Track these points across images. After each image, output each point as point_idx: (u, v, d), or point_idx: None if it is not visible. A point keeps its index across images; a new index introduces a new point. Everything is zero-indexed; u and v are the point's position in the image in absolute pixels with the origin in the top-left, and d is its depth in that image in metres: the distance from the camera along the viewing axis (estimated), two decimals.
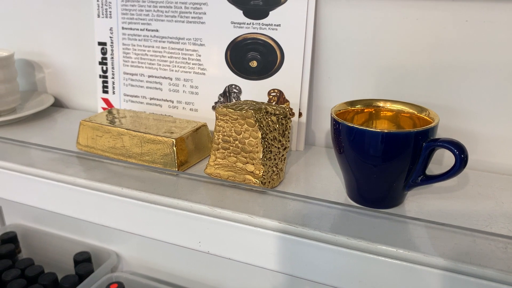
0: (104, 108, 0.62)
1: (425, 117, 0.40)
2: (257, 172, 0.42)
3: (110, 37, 0.59)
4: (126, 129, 0.49)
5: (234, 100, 0.54)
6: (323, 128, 0.53)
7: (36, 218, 0.82)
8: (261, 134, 0.42)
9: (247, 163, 0.43)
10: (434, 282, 0.33)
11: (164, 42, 0.56)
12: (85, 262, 0.73)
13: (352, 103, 0.43)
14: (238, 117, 0.42)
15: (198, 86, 0.56)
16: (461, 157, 0.35)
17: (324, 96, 0.52)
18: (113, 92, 0.61)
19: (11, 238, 0.79)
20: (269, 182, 0.43)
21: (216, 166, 0.45)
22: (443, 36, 0.45)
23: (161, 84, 0.58)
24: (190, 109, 0.57)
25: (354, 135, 0.37)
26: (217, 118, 0.44)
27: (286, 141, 0.45)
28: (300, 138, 0.52)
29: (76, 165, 0.48)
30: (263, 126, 0.42)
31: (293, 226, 0.37)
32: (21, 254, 0.80)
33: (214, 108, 0.56)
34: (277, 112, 0.44)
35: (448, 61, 0.46)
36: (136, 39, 0.58)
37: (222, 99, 0.55)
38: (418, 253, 0.34)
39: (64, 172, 0.46)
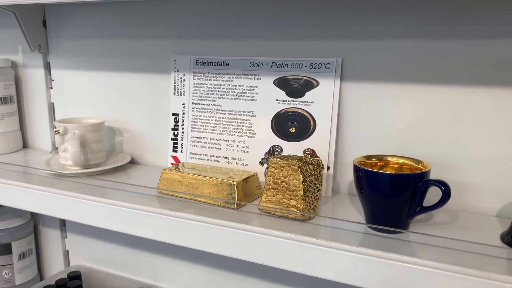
0: (173, 164, 0.79)
1: (421, 167, 0.56)
2: (299, 205, 0.58)
3: (182, 109, 0.78)
4: (198, 175, 0.65)
5: None
6: (346, 179, 0.69)
7: (95, 260, 0.96)
8: (302, 177, 0.58)
9: (291, 199, 0.58)
10: (427, 277, 0.47)
11: (224, 113, 0.74)
12: None
13: (369, 157, 0.59)
14: (285, 165, 0.58)
15: (249, 146, 0.73)
16: (446, 191, 0.50)
17: (347, 154, 0.68)
18: (181, 151, 0.78)
19: (77, 276, 0.93)
20: (307, 215, 0.58)
21: (267, 201, 0.60)
22: (434, 111, 0.62)
23: (220, 145, 0.75)
24: (242, 164, 0.74)
25: (370, 177, 0.53)
26: (268, 166, 0.60)
27: (319, 184, 0.61)
28: (329, 187, 0.68)
29: (158, 202, 0.64)
30: (304, 171, 0.58)
31: (326, 241, 0.52)
32: None
33: (261, 163, 0.72)
34: (313, 163, 0.60)
35: (440, 129, 0.62)
36: (202, 111, 0.76)
37: (267, 156, 0.72)
38: (414, 258, 0.48)
39: (151, 205, 0.62)
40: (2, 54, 0.95)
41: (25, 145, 0.97)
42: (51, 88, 0.93)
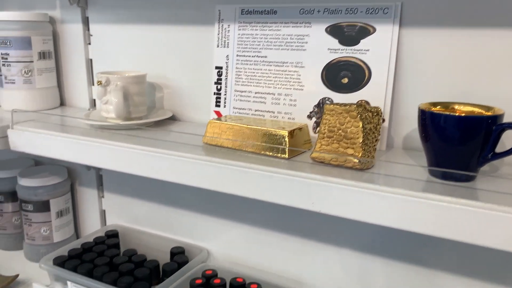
0: None
1: (491, 114, 0.52)
2: (357, 154, 0.55)
3: (226, 62, 0.75)
4: (246, 125, 0.63)
5: None
6: (401, 133, 0.65)
7: (133, 220, 0.95)
8: (362, 124, 0.54)
9: (348, 147, 0.55)
10: (498, 222, 0.43)
11: (270, 65, 0.71)
12: (180, 254, 0.85)
13: (434, 104, 0.55)
14: (343, 111, 0.55)
15: (296, 99, 0.70)
16: None
17: (403, 106, 0.64)
18: (224, 106, 0.76)
19: (114, 235, 0.92)
20: (365, 164, 0.55)
21: (321, 151, 0.57)
22: (502, 57, 0.58)
23: (265, 99, 0.72)
24: (288, 118, 0.71)
25: (438, 121, 0.49)
26: (324, 113, 0.57)
27: (378, 133, 0.58)
28: (383, 140, 0.64)
29: (206, 151, 0.62)
30: (363, 118, 0.55)
31: (389, 187, 0.49)
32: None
33: (309, 117, 0.69)
34: (372, 110, 0.57)
35: (508, 76, 0.58)
36: (247, 64, 0.73)
37: (316, 109, 0.68)
38: (486, 203, 0.44)
39: (198, 154, 0.60)
40: (40, 8, 0.93)
41: (62, 103, 0.96)
42: (89, 43, 0.91)
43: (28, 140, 0.75)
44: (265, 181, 0.55)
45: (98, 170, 0.97)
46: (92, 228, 1.01)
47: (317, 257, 0.76)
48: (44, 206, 0.93)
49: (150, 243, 0.91)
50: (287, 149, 0.59)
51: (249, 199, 0.79)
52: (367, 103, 0.65)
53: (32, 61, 0.87)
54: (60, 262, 0.82)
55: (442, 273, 0.67)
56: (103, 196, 0.99)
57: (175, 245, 0.87)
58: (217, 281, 0.76)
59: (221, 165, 0.58)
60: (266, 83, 0.72)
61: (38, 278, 0.86)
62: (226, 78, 0.75)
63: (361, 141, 0.54)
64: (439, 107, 0.55)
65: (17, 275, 0.87)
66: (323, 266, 0.76)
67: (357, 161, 0.54)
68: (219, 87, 0.76)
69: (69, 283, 0.80)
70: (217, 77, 0.76)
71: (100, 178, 0.98)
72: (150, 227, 0.93)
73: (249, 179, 0.56)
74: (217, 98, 0.76)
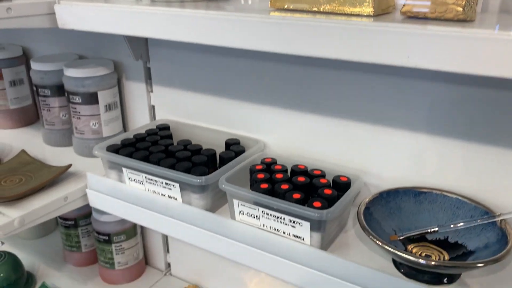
0: None
1: None
2: (460, 2, 0.47)
3: None
4: None
5: None
6: None
7: (184, 114, 0.92)
8: None
9: None
10: None
11: None
12: (236, 144, 0.81)
13: None
14: None
15: None
16: None
17: None
18: None
19: (166, 127, 0.89)
20: (469, 14, 0.48)
21: (414, 4, 0.50)
22: None
23: None
24: None
25: None
26: None
27: None
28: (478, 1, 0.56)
29: (275, 13, 0.56)
30: None
31: (505, 31, 0.42)
32: None
33: None
34: None
35: None
36: None
37: None
38: None
39: (272, 14, 0.54)
40: None
41: None
42: None
43: (78, 15, 0.70)
44: (351, 36, 0.49)
45: (146, 62, 0.92)
46: (141, 125, 0.98)
47: (384, 144, 0.71)
48: (92, 98, 0.90)
49: (203, 136, 0.88)
50: (372, 3, 0.52)
51: (306, 85, 0.74)
52: None
53: None
54: (114, 149, 0.80)
55: None
56: (151, 91, 0.95)
57: (229, 137, 0.84)
58: (277, 167, 0.73)
59: (297, 21, 0.51)
60: None
61: (90, 171, 0.84)
62: None
63: None
64: None
65: (70, 165, 0.86)
66: (391, 154, 0.71)
67: (461, 9, 0.47)
68: None
69: (124, 169, 0.78)
70: None
71: (148, 71, 0.93)
72: (203, 120, 0.90)
73: (332, 35, 0.50)
74: None
